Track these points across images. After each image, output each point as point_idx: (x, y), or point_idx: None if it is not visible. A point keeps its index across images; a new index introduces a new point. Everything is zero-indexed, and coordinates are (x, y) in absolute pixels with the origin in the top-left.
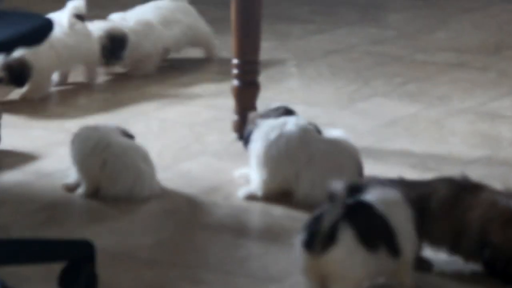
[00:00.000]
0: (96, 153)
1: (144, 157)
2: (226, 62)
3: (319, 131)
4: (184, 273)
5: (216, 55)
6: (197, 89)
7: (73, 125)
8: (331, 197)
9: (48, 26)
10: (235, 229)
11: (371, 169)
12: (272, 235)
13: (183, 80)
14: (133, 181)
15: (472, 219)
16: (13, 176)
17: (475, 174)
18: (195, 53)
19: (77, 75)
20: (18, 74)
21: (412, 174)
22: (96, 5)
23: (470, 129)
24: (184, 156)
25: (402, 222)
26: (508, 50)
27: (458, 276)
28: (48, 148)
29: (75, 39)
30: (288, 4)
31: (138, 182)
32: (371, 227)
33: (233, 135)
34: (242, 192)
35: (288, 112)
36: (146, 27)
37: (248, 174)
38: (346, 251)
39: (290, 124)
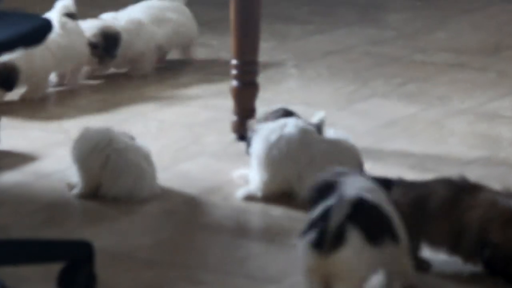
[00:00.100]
0: (97, 151)
1: (145, 156)
2: (225, 62)
3: (320, 131)
4: (183, 273)
5: (196, 57)
6: (196, 89)
7: (72, 125)
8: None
9: (47, 26)
10: (234, 229)
11: (370, 169)
12: (271, 235)
13: (182, 81)
14: (134, 179)
15: (471, 219)
16: (12, 177)
17: (474, 174)
18: (195, 53)
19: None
20: (5, 78)
21: (411, 174)
22: (91, 4)
23: (469, 129)
24: (183, 156)
25: (389, 206)
26: (507, 50)
27: (457, 276)
28: (47, 149)
29: (68, 39)
30: (287, 5)
31: (139, 181)
32: (374, 222)
33: (232, 136)
34: (241, 192)
35: (287, 113)
36: (138, 25)
37: (247, 175)
38: (354, 251)
39: (290, 125)
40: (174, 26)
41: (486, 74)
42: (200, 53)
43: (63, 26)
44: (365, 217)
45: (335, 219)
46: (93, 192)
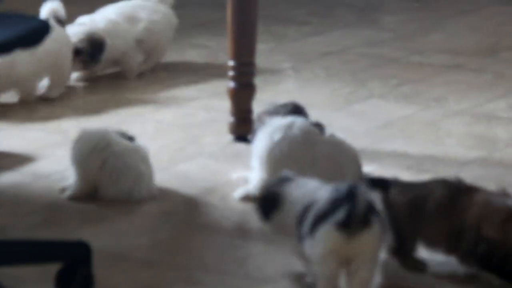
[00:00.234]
0: (96, 152)
1: (143, 158)
2: (222, 63)
3: (322, 130)
4: (181, 274)
5: (149, 68)
6: (193, 90)
7: (70, 126)
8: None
9: (45, 28)
10: (233, 230)
11: (367, 170)
12: (270, 236)
13: (180, 82)
14: (132, 182)
15: (468, 219)
16: (10, 178)
17: (471, 175)
18: (192, 55)
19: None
20: None
21: (407, 175)
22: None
23: (465, 130)
24: (180, 157)
25: None
26: (503, 51)
27: (452, 277)
28: (45, 150)
29: (55, 45)
30: (284, 6)
31: (137, 183)
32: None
33: (229, 137)
34: (238, 192)
35: (297, 108)
36: (115, 26)
37: (246, 176)
38: (378, 233)
39: (296, 126)
40: (146, 25)
41: (482, 75)
42: (197, 54)
43: (55, 35)
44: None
45: (363, 200)
46: (87, 194)
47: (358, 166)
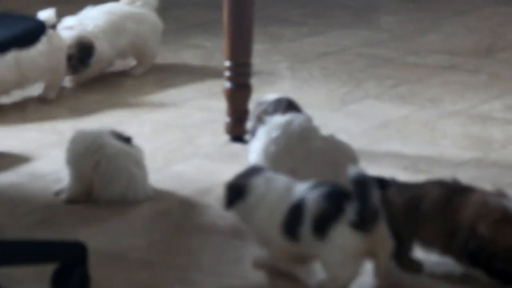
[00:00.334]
0: (89, 154)
1: (136, 160)
2: (219, 64)
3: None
4: (176, 275)
5: (140, 73)
6: (190, 91)
7: (66, 126)
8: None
9: (40, 28)
10: (228, 230)
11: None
12: None
13: (176, 82)
14: (125, 184)
15: (463, 218)
16: (6, 178)
17: (466, 176)
18: (188, 55)
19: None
20: None
21: (403, 176)
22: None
23: (461, 131)
24: (176, 158)
25: None
26: (499, 52)
27: (448, 277)
28: (41, 150)
29: (52, 51)
30: (281, 7)
31: (130, 185)
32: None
33: (226, 137)
34: None
35: (290, 104)
36: (103, 33)
37: None
38: (386, 225)
39: (295, 123)
40: (131, 38)
41: (478, 76)
42: (193, 54)
43: (49, 39)
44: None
45: (374, 198)
46: (83, 197)
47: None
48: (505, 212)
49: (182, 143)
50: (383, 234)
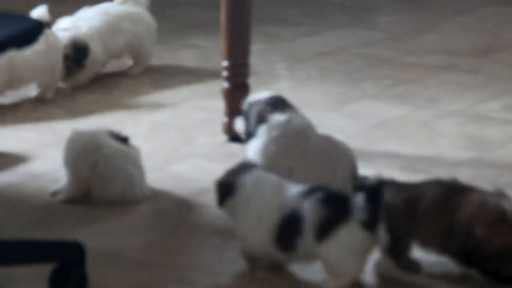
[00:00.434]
0: (86, 154)
1: (134, 160)
2: (217, 64)
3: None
4: (174, 275)
5: (138, 73)
6: (187, 91)
7: (63, 126)
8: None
9: (38, 28)
10: (225, 230)
11: (361, 171)
12: None
13: (173, 82)
14: (123, 184)
15: (461, 218)
16: (4, 178)
17: (464, 176)
18: (186, 55)
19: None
20: None
21: (401, 176)
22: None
23: (459, 131)
24: (174, 158)
25: None
26: (497, 52)
27: (446, 277)
28: (39, 150)
29: (49, 51)
30: (278, 7)
31: (128, 186)
32: None
33: (223, 137)
34: None
35: (285, 102)
36: (97, 35)
37: None
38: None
39: (294, 122)
40: (127, 38)
41: (476, 76)
42: (191, 54)
43: (44, 38)
44: None
45: (382, 199)
46: (80, 197)
47: (353, 166)
48: (502, 213)
49: (180, 143)
50: (379, 233)
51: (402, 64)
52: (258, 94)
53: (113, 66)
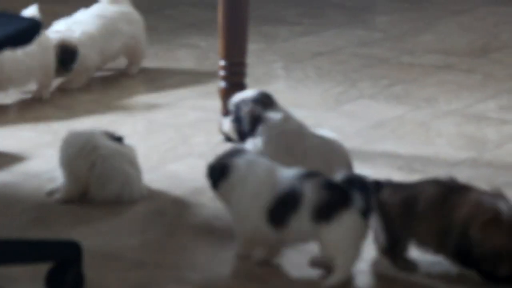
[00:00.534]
0: (83, 155)
1: (131, 160)
2: (213, 63)
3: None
4: (170, 274)
5: (136, 72)
6: (184, 90)
7: (60, 126)
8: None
9: (35, 27)
10: (222, 230)
11: (358, 170)
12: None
13: (170, 82)
14: (121, 185)
15: (457, 217)
16: (1, 177)
17: (461, 175)
18: (183, 55)
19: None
20: None
21: (398, 175)
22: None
23: (456, 131)
24: (171, 157)
25: None
26: (494, 52)
27: (443, 277)
28: (36, 149)
29: (40, 51)
30: (275, 6)
31: (126, 186)
32: None
33: (220, 137)
34: None
35: (268, 98)
36: (91, 40)
37: None
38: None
39: (292, 120)
40: (123, 40)
41: (473, 76)
42: (188, 54)
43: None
44: None
45: (370, 188)
46: (77, 197)
47: (348, 164)
48: (497, 213)
49: (176, 142)
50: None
51: (400, 64)
52: (242, 93)
53: (110, 66)
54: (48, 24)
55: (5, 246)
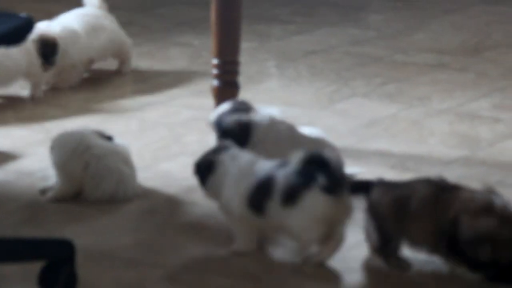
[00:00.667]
0: (77, 155)
1: (125, 159)
2: (206, 62)
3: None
4: (163, 273)
5: (129, 70)
6: (177, 89)
7: (53, 125)
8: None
9: (28, 25)
10: (215, 228)
11: (350, 169)
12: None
13: (163, 80)
14: (115, 184)
15: (450, 213)
16: None
17: (454, 174)
18: (176, 53)
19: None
20: None
21: (391, 174)
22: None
23: (449, 129)
24: (164, 156)
25: None
26: (487, 51)
27: (436, 276)
28: (29, 148)
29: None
30: (268, 5)
31: (120, 185)
32: None
33: (213, 136)
34: None
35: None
36: (73, 34)
37: None
38: (350, 195)
39: (279, 124)
40: (108, 35)
41: (466, 74)
42: (181, 52)
43: None
44: None
45: (339, 167)
46: (70, 197)
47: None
48: (490, 203)
49: (169, 141)
50: (348, 205)
51: (393, 63)
52: (218, 109)
53: (103, 64)
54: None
55: None
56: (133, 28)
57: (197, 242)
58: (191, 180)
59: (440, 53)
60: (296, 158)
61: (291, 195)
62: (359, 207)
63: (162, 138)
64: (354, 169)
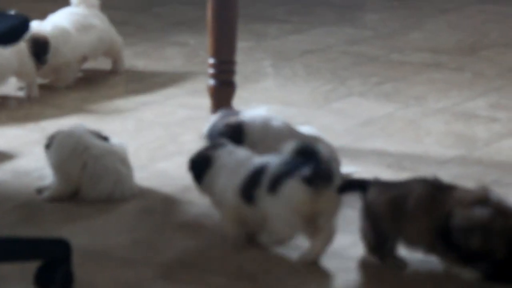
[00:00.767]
0: (75, 155)
1: (122, 159)
2: (203, 61)
3: None
4: (160, 272)
5: (123, 68)
6: (173, 88)
7: (49, 124)
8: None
9: (23, 25)
10: (212, 228)
11: (346, 168)
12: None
13: (159, 80)
14: (113, 184)
15: (445, 213)
16: None
17: (450, 174)
18: (172, 53)
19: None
20: None
21: (387, 173)
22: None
23: (445, 129)
24: (160, 155)
25: None
26: (483, 50)
27: (432, 275)
28: (25, 147)
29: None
30: (265, 4)
31: (118, 185)
32: None
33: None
34: None
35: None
36: (64, 33)
37: None
38: (337, 189)
39: (273, 123)
40: (98, 33)
41: (462, 74)
42: (177, 52)
43: None
44: None
45: (326, 159)
46: (67, 196)
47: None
48: (484, 196)
49: (165, 140)
50: (332, 199)
51: (389, 62)
52: (208, 124)
53: (98, 64)
54: None
55: None
56: (129, 28)
57: (193, 241)
58: (188, 179)
59: (437, 53)
60: (288, 149)
61: (274, 184)
62: (355, 206)
63: (158, 137)
64: (350, 168)
